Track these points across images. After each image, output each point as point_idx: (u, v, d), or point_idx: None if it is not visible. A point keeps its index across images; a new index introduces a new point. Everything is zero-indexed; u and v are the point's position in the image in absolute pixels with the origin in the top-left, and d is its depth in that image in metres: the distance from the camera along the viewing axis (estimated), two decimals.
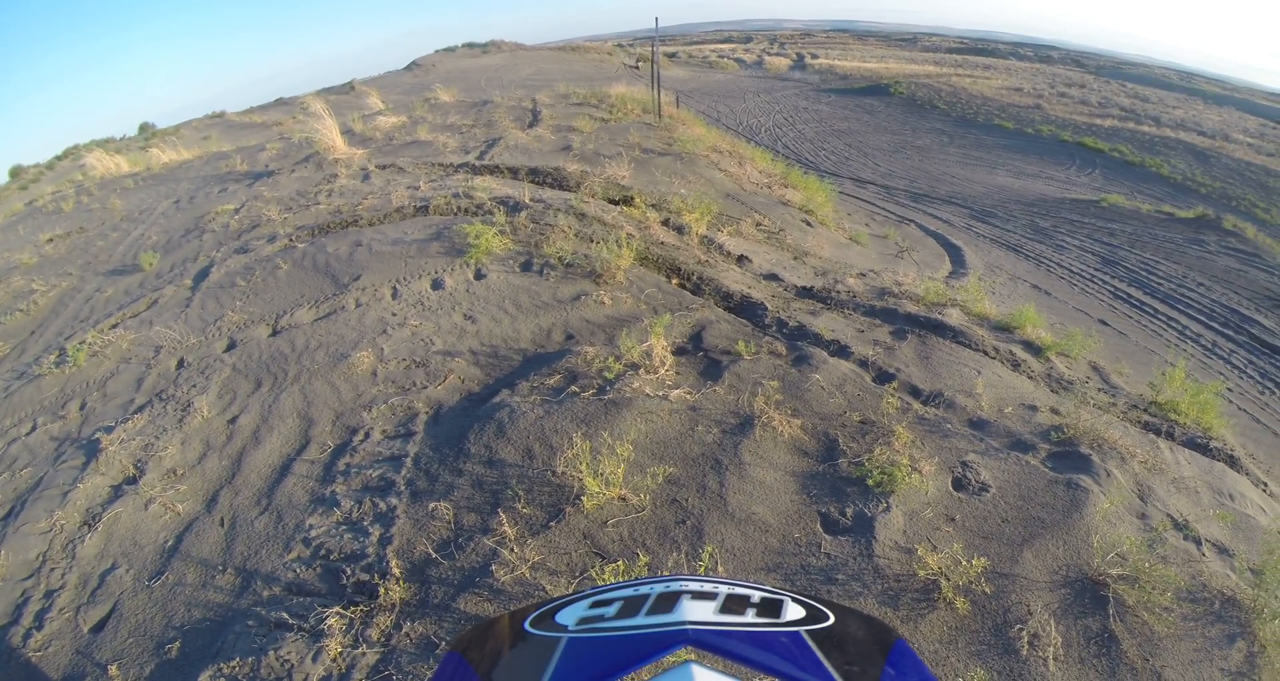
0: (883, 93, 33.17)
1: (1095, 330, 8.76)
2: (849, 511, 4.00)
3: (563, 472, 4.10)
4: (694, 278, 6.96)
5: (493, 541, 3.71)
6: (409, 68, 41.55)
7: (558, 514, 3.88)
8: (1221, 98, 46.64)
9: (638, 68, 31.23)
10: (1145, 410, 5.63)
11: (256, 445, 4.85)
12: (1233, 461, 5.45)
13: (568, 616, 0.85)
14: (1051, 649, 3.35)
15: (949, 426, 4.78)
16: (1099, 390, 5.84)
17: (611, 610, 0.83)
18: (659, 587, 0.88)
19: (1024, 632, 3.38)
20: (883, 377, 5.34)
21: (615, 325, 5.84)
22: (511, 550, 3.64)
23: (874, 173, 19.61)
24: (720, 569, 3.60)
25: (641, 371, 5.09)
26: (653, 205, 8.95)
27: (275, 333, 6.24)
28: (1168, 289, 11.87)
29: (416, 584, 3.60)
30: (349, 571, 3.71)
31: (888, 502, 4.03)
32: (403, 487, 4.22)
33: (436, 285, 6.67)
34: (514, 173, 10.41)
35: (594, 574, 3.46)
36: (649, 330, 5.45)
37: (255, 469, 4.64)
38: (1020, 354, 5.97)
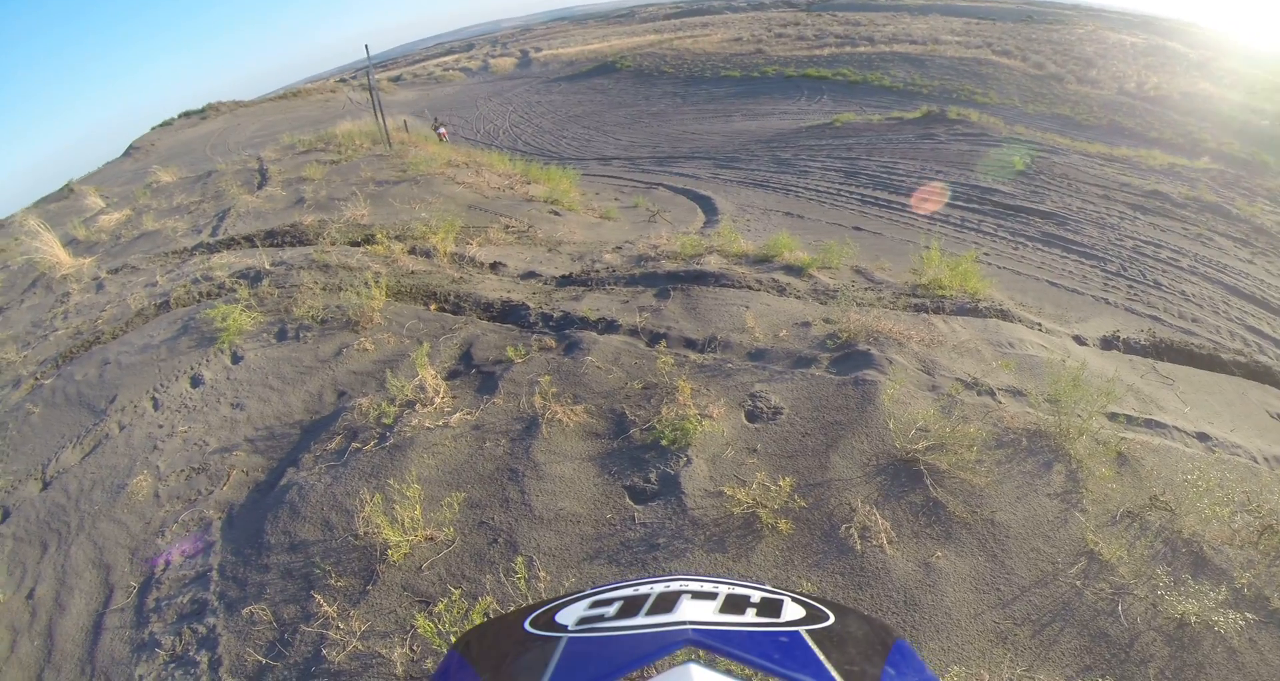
0: (610, 70, 34.69)
1: (851, 238, 9.40)
2: (653, 476, 4.08)
3: (364, 533, 4.00)
4: (451, 297, 6.91)
5: (317, 626, 3.57)
6: (128, 153, 38.39)
7: (371, 576, 3.78)
8: (925, 8, 53.08)
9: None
10: (912, 294, 6.18)
11: (62, 613, 4.42)
12: (1004, 314, 6.09)
13: (568, 616, 0.87)
14: (883, 535, 3.55)
15: (730, 366, 4.98)
16: (865, 289, 6.33)
17: (611, 610, 0.85)
18: (659, 587, 0.91)
19: (852, 530, 3.57)
20: (655, 339, 5.48)
21: (383, 368, 5.74)
22: (337, 628, 3.51)
23: (616, 148, 20.38)
24: (542, 573, 3.58)
25: (418, 406, 5.03)
26: (396, 237, 8.85)
27: (46, 485, 5.70)
28: (910, 184, 13.11)
29: None
30: None
31: (687, 456, 4.13)
32: (216, 604, 3.99)
33: (196, 382, 6.27)
34: (250, 241, 9.97)
35: (420, 621, 3.33)
36: (415, 364, 5.38)
37: (69, 637, 4.23)
38: (783, 279, 6.35)
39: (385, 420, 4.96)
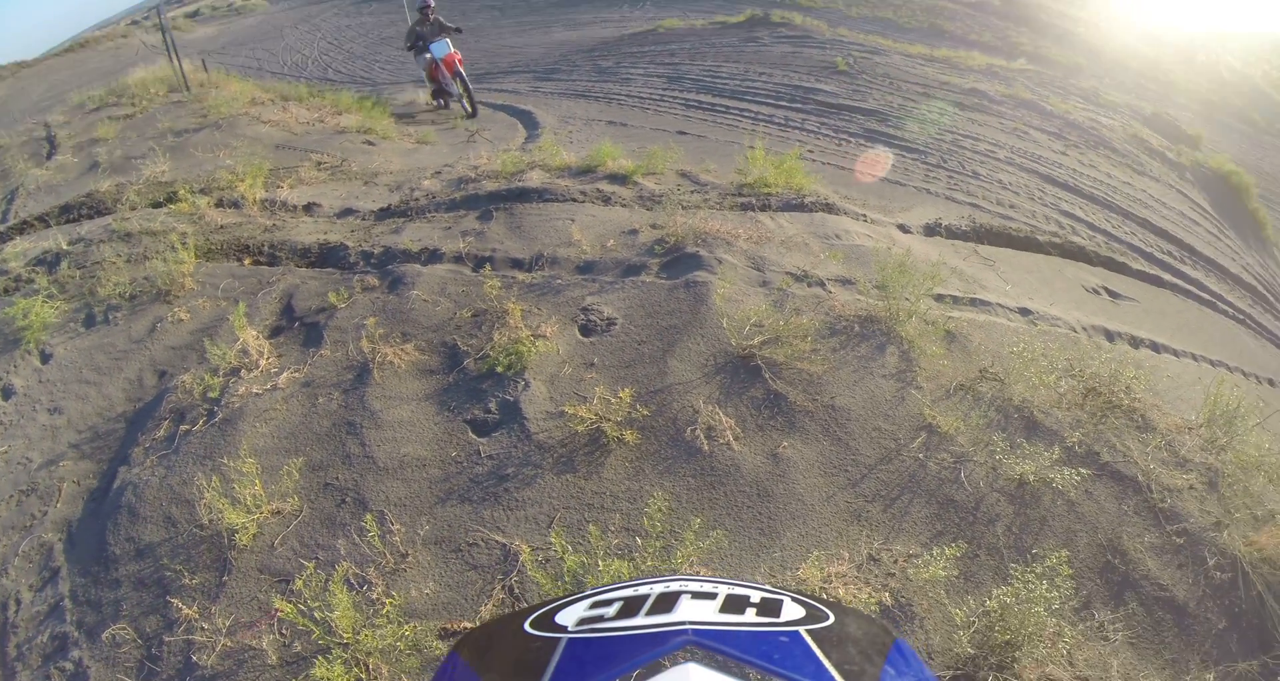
0: None
1: (675, 142, 9.40)
2: (493, 406, 4.04)
3: (209, 522, 3.80)
4: (266, 248, 6.49)
5: (181, 633, 3.39)
6: None
7: (224, 566, 3.63)
8: None
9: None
10: (738, 194, 6.33)
11: None
12: (830, 207, 6.35)
13: (567, 617, 0.87)
14: (729, 432, 3.68)
15: (559, 282, 4.95)
16: (691, 192, 6.43)
17: (611, 610, 0.86)
18: (659, 587, 0.91)
19: (698, 431, 3.68)
20: (480, 263, 5.37)
21: (202, 337, 5.35)
22: (202, 630, 3.36)
23: None
24: (396, 526, 3.54)
25: (243, 373, 4.78)
26: (200, 190, 8.16)
27: None
28: (734, 86, 13.29)
29: None
30: None
31: (524, 380, 4.10)
32: (77, 634, 3.72)
33: (7, 394, 5.62)
34: (44, 220, 8.90)
35: (279, 604, 3.20)
36: (235, 327, 5.07)
37: None
38: (608, 188, 6.35)
39: (211, 393, 4.67)
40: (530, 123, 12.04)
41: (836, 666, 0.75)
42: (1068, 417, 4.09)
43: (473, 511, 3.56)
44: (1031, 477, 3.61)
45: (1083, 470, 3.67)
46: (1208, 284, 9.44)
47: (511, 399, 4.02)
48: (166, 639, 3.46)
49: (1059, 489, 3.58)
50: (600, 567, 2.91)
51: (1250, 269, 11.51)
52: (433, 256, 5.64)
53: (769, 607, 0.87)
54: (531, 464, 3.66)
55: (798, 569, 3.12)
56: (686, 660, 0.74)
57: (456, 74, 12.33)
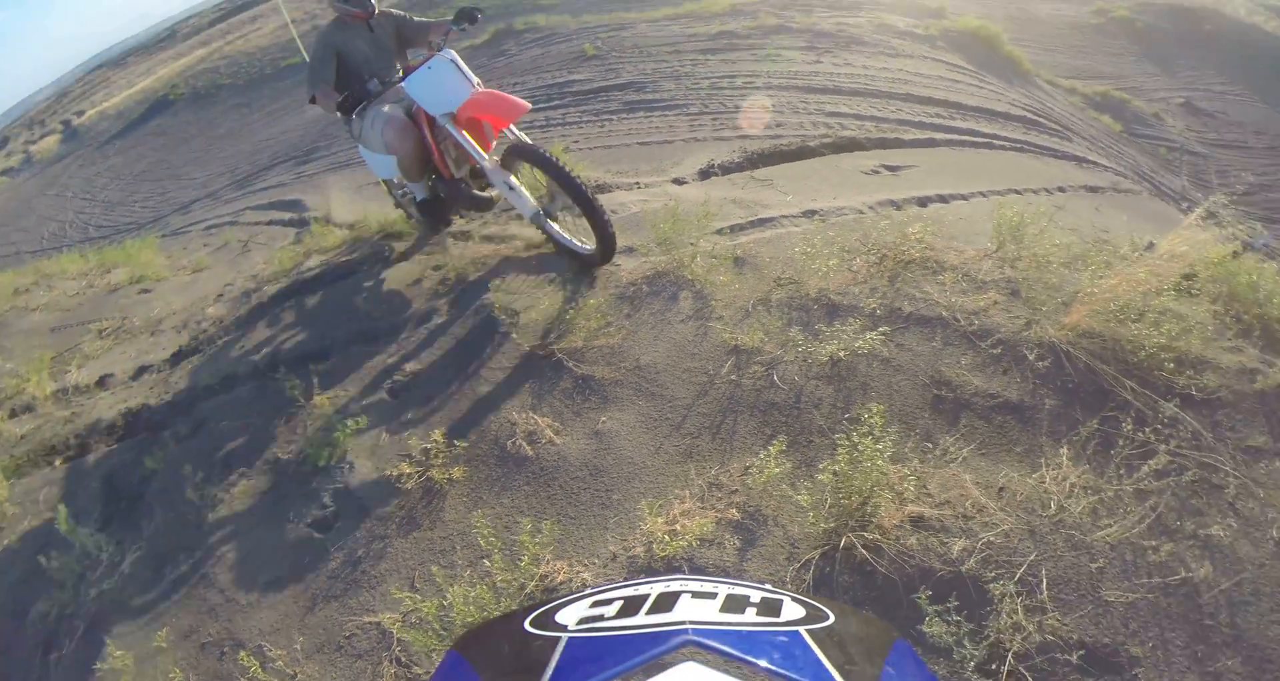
0: (165, 106, 31.46)
1: None
2: (327, 499, 4.05)
3: None
4: (72, 440, 6.08)
5: None
6: None
7: None
8: None
9: None
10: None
11: None
12: (601, 188, 6.54)
13: (568, 616, 0.89)
14: (548, 430, 3.82)
15: (357, 356, 5.01)
16: (465, 223, 6.53)
17: (611, 609, 0.88)
18: (659, 587, 0.93)
19: (519, 442, 3.77)
20: (276, 368, 5.38)
21: (40, 556, 5.04)
22: None
23: (194, 189, 18.82)
24: (276, 653, 3.42)
25: (89, 574, 4.55)
26: None
27: None
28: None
29: None
30: None
31: (347, 463, 4.12)
32: None
33: None
34: None
35: None
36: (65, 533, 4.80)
37: None
38: (386, 246, 6.43)
39: (68, 610, 4.45)
40: (300, 208, 11.79)
41: (836, 666, 0.76)
42: (863, 290, 4.30)
43: (340, 605, 3.50)
44: (841, 353, 3.78)
45: (885, 327, 3.87)
46: (980, 129, 10.07)
47: (342, 485, 3.98)
48: None
49: (869, 352, 3.77)
50: (459, 603, 2.93)
51: (1017, 103, 12.32)
52: (232, 382, 5.55)
53: (769, 607, 0.89)
54: (378, 537, 3.64)
55: (645, 524, 3.21)
56: (686, 659, 0.77)
57: (519, 150, 4.87)
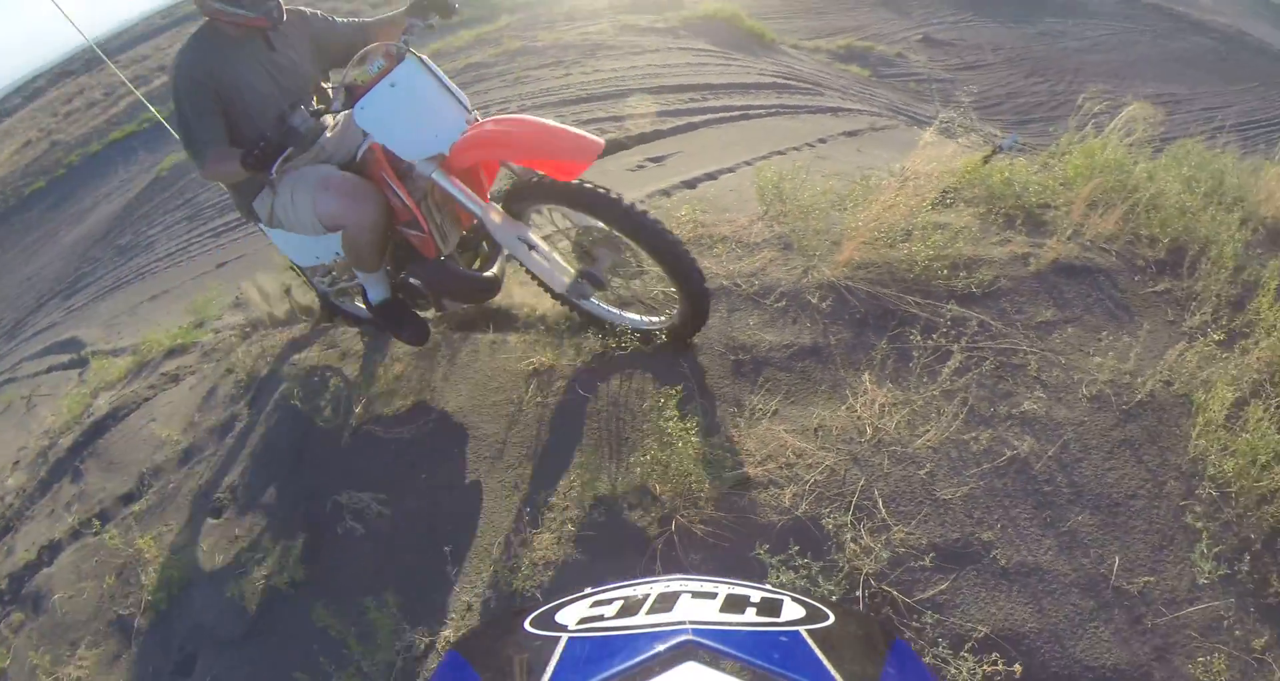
0: None
1: (212, 280, 8.80)
2: (180, 642, 3.89)
3: None
4: None
5: None
6: None
7: None
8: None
9: None
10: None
11: None
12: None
13: (568, 616, 0.89)
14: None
15: (170, 487, 4.79)
16: (249, 320, 6.34)
17: (612, 609, 0.88)
18: (659, 587, 0.93)
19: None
20: (89, 523, 5.02)
21: None
22: None
23: None
24: None
25: None
26: None
27: None
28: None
29: None
30: None
31: (188, 596, 3.94)
32: None
33: None
34: None
35: None
36: None
37: None
38: (173, 367, 6.16)
39: None
40: (77, 346, 10.93)
41: (836, 666, 0.76)
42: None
43: None
44: (625, 350, 3.82)
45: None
46: (734, 103, 10.54)
47: (191, 624, 3.80)
48: None
49: (662, 343, 3.84)
50: None
51: (766, 72, 13.01)
52: (54, 549, 5.16)
53: (769, 607, 0.88)
54: (241, 663, 3.50)
55: (486, 568, 3.20)
56: (686, 659, 0.75)
57: (538, 189, 3.45)
